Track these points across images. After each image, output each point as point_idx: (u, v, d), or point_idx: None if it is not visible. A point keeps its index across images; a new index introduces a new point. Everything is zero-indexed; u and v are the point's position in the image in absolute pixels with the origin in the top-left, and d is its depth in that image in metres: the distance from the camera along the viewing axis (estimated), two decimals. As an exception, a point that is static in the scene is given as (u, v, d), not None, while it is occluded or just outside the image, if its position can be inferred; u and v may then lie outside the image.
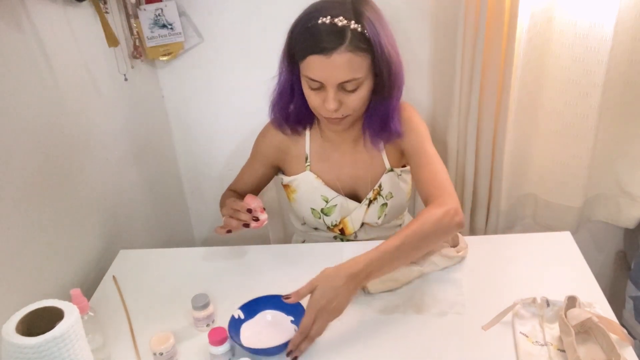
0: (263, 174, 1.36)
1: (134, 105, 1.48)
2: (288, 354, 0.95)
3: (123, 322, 1.09)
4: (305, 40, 1.06)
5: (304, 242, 1.44)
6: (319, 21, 1.04)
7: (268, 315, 1.06)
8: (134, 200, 1.47)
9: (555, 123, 1.53)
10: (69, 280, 1.16)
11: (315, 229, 1.37)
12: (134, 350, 1.02)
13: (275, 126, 1.28)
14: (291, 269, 1.20)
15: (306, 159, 1.29)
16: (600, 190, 1.64)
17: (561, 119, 1.52)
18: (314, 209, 1.30)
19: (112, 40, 1.29)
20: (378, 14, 1.10)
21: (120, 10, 1.41)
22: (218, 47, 1.57)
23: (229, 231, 1.16)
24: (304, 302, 1.00)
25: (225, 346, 0.95)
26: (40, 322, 0.79)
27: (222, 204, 1.33)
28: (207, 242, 1.91)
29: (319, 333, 0.95)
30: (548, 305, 0.99)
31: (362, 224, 1.32)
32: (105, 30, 1.28)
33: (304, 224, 1.38)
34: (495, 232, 1.69)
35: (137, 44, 1.45)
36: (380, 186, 1.28)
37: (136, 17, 1.45)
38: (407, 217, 1.45)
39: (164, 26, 1.48)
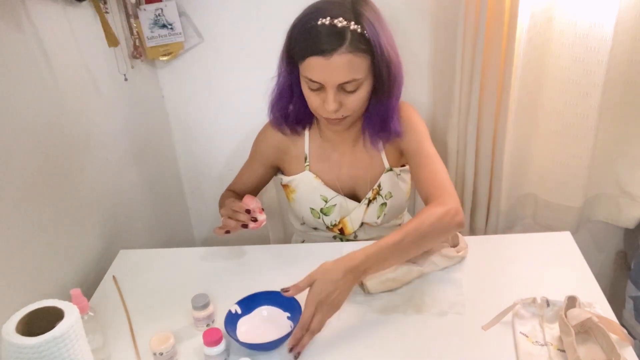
0: (262, 174, 1.36)
1: (134, 105, 1.48)
2: (290, 350, 0.95)
3: (123, 322, 1.09)
4: (305, 41, 1.06)
5: (303, 242, 1.44)
6: (319, 22, 1.04)
7: (264, 311, 1.07)
8: (134, 200, 1.47)
9: (555, 123, 1.53)
10: (69, 280, 1.16)
11: (315, 228, 1.37)
12: (134, 350, 1.02)
13: (274, 126, 1.28)
14: (291, 269, 1.20)
15: (305, 158, 1.29)
16: (600, 190, 1.64)
17: (561, 119, 1.52)
18: (313, 209, 1.31)
19: (112, 40, 1.29)
20: (377, 14, 1.10)
21: (120, 10, 1.41)
22: (218, 47, 1.57)
23: (228, 232, 1.17)
24: (302, 298, 1.00)
25: (220, 347, 0.95)
26: (40, 322, 0.79)
27: (221, 204, 1.33)
28: (207, 242, 1.91)
29: (319, 327, 0.95)
30: (548, 305, 0.99)
31: (362, 224, 1.32)
32: (105, 30, 1.28)
33: (303, 223, 1.38)
34: (495, 232, 1.69)
35: (137, 44, 1.45)
36: (379, 186, 1.28)
37: (136, 17, 1.45)
38: (406, 217, 1.46)
39: (164, 26, 1.48)
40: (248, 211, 1.15)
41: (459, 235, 1.18)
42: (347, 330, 1.02)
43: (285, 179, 1.32)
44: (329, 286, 0.95)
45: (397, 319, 1.04)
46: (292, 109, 1.23)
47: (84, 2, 1.21)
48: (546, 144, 1.58)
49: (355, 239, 1.36)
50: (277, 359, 0.98)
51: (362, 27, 1.04)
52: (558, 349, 0.93)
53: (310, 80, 1.08)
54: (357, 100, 1.10)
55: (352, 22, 1.04)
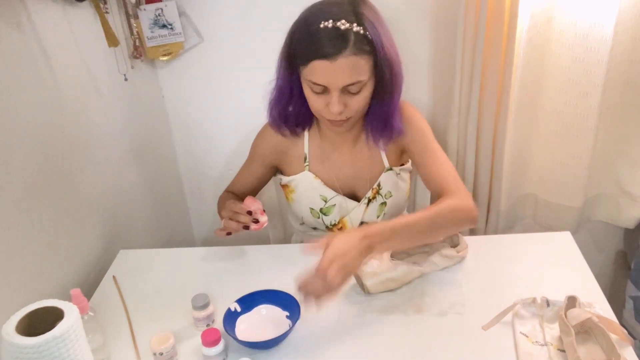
0: (261, 175, 1.36)
1: (134, 105, 1.48)
2: (299, 290, 0.94)
3: (123, 322, 1.09)
4: (308, 45, 1.06)
5: (302, 242, 1.44)
6: (321, 25, 1.04)
7: (263, 310, 1.07)
8: (134, 200, 1.47)
9: (555, 123, 1.53)
10: (69, 280, 1.16)
11: (314, 228, 1.37)
12: (134, 350, 1.02)
13: (274, 128, 1.27)
14: (291, 269, 1.19)
15: (305, 158, 1.29)
16: (600, 190, 1.64)
17: (561, 119, 1.52)
18: (312, 209, 1.31)
19: (112, 40, 1.29)
20: (376, 13, 1.10)
21: (120, 10, 1.41)
22: (218, 47, 1.57)
23: (229, 233, 1.17)
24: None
25: (219, 347, 0.95)
26: (40, 322, 0.79)
27: (221, 206, 1.33)
28: (207, 242, 1.91)
29: (335, 281, 0.91)
30: (548, 305, 0.99)
31: (361, 224, 1.32)
32: (105, 30, 1.28)
33: (303, 223, 1.38)
34: (495, 232, 1.69)
35: (137, 44, 1.45)
36: (379, 185, 1.28)
37: (136, 17, 1.45)
38: (407, 217, 1.46)
39: (164, 26, 1.48)
40: (249, 213, 1.14)
41: (459, 235, 1.18)
42: (347, 330, 1.02)
43: (285, 179, 1.32)
44: (346, 243, 0.94)
45: (397, 319, 1.04)
46: (291, 111, 1.23)
47: (84, 2, 1.21)
48: (546, 144, 1.58)
49: None
50: (276, 357, 0.98)
51: (364, 28, 1.04)
52: (558, 349, 0.93)
53: (315, 83, 1.07)
54: (361, 101, 1.11)
55: (355, 24, 1.03)
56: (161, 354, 0.96)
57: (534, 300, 1.00)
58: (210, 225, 1.88)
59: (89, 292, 1.18)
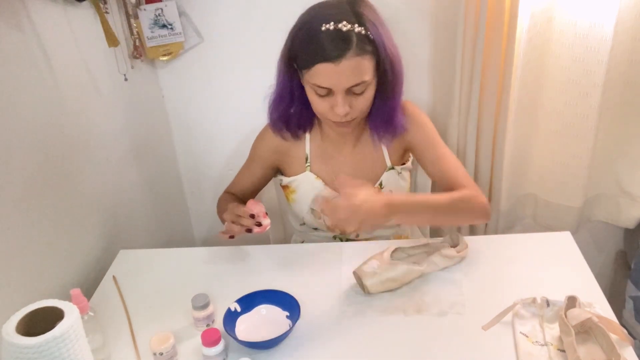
0: (262, 176, 1.36)
1: (134, 105, 1.48)
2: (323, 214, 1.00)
3: (123, 322, 1.09)
4: (310, 48, 1.05)
5: (303, 242, 1.44)
6: (322, 28, 1.03)
7: (263, 310, 1.07)
8: (134, 200, 1.47)
9: (555, 123, 1.53)
10: (69, 280, 1.16)
11: (315, 229, 1.37)
12: (134, 350, 1.02)
13: (275, 131, 1.27)
14: (291, 269, 1.20)
15: (306, 159, 1.29)
16: (600, 190, 1.64)
17: (561, 119, 1.52)
18: (314, 209, 1.30)
19: (112, 40, 1.29)
20: (375, 12, 1.10)
21: (120, 10, 1.41)
22: (218, 47, 1.57)
23: (232, 236, 1.17)
24: (301, 299, 1.02)
25: (219, 347, 0.95)
26: (40, 322, 0.79)
27: (221, 208, 1.33)
28: (207, 242, 1.91)
29: (345, 227, 0.98)
30: (548, 305, 0.99)
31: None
32: (105, 30, 1.28)
33: (303, 224, 1.38)
34: (495, 232, 1.69)
35: (137, 44, 1.45)
36: (380, 184, 1.28)
37: (136, 17, 1.45)
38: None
39: (164, 26, 1.48)
40: (252, 216, 1.14)
41: (459, 235, 1.18)
42: (347, 330, 1.02)
43: (286, 180, 1.32)
44: (366, 194, 0.98)
45: (397, 319, 1.04)
46: (292, 115, 1.22)
47: (84, 2, 1.21)
48: (546, 144, 1.58)
49: (357, 238, 1.36)
50: (276, 357, 0.98)
51: (365, 29, 1.04)
52: (558, 349, 0.93)
53: (319, 86, 1.07)
54: (365, 101, 1.11)
55: (356, 25, 1.03)
56: (161, 354, 0.96)
57: (534, 300, 1.00)
58: (210, 225, 1.88)
59: (89, 292, 1.18)
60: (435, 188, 1.41)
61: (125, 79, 1.41)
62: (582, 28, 1.38)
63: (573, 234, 1.23)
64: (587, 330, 0.94)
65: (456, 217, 1.15)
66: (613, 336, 0.90)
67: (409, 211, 1.06)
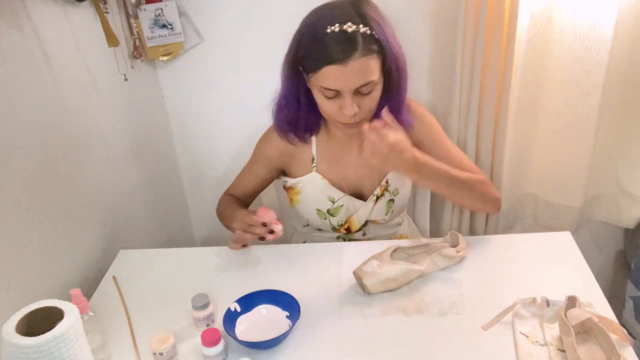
0: (265, 178, 1.35)
1: (134, 105, 1.48)
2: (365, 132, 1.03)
3: (123, 322, 1.09)
4: (317, 51, 1.05)
5: (305, 242, 1.44)
6: (328, 30, 1.03)
7: (263, 310, 1.07)
8: (134, 200, 1.47)
9: (555, 123, 1.53)
10: (69, 280, 1.16)
11: (319, 230, 1.36)
12: (134, 350, 1.02)
13: (281, 136, 1.26)
14: (291, 269, 1.20)
15: (313, 160, 1.29)
16: (600, 190, 1.64)
17: (561, 119, 1.52)
18: (319, 210, 1.30)
19: (112, 40, 1.29)
20: (378, 11, 1.10)
21: (120, 10, 1.41)
22: (218, 47, 1.57)
23: (245, 245, 1.16)
24: (301, 299, 1.02)
25: (219, 347, 0.95)
26: (40, 322, 0.79)
27: (222, 212, 1.33)
28: (207, 242, 1.91)
29: (370, 159, 1.04)
30: (548, 305, 0.99)
31: (366, 223, 1.32)
32: (105, 30, 1.28)
33: (307, 225, 1.37)
34: (495, 232, 1.69)
35: (137, 44, 1.45)
36: (387, 182, 1.28)
37: (136, 17, 1.45)
38: (406, 217, 1.46)
39: (164, 26, 1.48)
40: (264, 224, 1.13)
41: (459, 235, 1.18)
42: (347, 330, 1.02)
43: (290, 181, 1.32)
44: (403, 141, 1.04)
45: (397, 319, 1.04)
46: (299, 119, 1.22)
47: (84, 2, 1.21)
48: (546, 144, 1.58)
49: (363, 237, 1.36)
50: (276, 357, 0.98)
51: (370, 29, 1.04)
52: (558, 349, 0.93)
53: (327, 89, 1.07)
54: (373, 100, 1.11)
55: (361, 25, 1.03)
56: (161, 354, 0.96)
57: (534, 300, 1.00)
58: (210, 225, 1.88)
59: (89, 292, 1.18)
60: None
61: (125, 79, 1.41)
62: (582, 28, 1.38)
63: (573, 234, 1.23)
64: (587, 330, 0.94)
65: (470, 196, 1.17)
66: (613, 336, 0.90)
67: (430, 173, 1.09)
